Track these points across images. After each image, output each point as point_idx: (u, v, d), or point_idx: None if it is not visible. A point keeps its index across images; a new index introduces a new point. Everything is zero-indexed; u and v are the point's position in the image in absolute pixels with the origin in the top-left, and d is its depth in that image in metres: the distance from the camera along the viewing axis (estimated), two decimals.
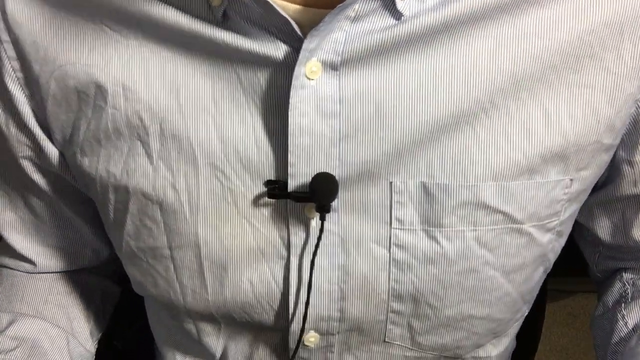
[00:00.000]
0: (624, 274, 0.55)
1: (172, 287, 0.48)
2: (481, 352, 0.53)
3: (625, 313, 0.53)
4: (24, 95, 0.46)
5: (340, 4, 0.38)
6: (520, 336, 0.61)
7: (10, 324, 0.53)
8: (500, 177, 0.43)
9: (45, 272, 0.58)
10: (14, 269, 0.58)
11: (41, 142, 0.48)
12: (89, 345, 0.58)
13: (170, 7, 0.42)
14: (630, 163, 0.48)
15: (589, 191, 0.48)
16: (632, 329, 0.51)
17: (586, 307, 1.45)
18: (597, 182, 0.50)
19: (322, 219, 0.43)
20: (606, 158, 0.46)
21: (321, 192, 0.42)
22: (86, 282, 0.60)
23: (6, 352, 0.51)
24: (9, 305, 0.55)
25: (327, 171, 0.43)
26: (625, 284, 0.55)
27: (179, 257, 0.47)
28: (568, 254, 0.62)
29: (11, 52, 0.45)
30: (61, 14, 0.44)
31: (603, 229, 0.53)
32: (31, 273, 0.58)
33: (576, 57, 0.42)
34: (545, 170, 0.43)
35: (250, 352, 0.52)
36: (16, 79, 0.46)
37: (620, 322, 0.52)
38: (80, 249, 0.57)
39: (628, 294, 0.54)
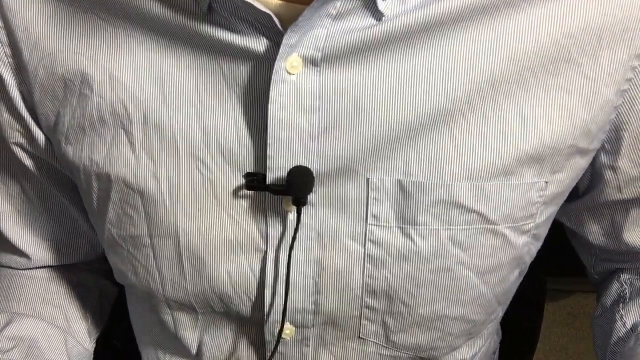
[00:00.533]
0: (621, 274, 0.56)
1: (152, 276, 0.49)
2: (457, 355, 0.53)
3: (623, 313, 0.53)
4: (15, 81, 0.47)
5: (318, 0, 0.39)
6: (520, 336, 0.61)
7: (7, 324, 0.54)
8: (475, 177, 0.43)
9: (41, 267, 0.58)
10: (10, 267, 0.58)
11: (32, 128, 0.49)
12: (87, 344, 0.59)
13: None
14: (614, 169, 0.48)
15: (566, 195, 0.48)
16: (631, 329, 0.52)
17: (586, 307, 1.45)
18: (580, 188, 0.51)
19: (299, 212, 0.44)
20: (582, 163, 0.46)
21: (297, 186, 0.43)
22: (84, 282, 0.61)
23: (4, 353, 0.51)
24: (7, 305, 0.56)
25: (305, 165, 0.43)
26: (623, 285, 0.55)
27: (159, 246, 0.47)
28: (568, 254, 0.62)
29: (4, 38, 0.46)
30: (54, 3, 0.45)
31: (594, 234, 0.53)
32: (28, 269, 0.58)
33: (554, 60, 0.42)
34: (520, 172, 0.44)
35: (227, 346, 0.53)
36: (9, 64, 0.47)
37: (619, 323, 0.53)
38: (76, 240, 0.58)
39: (626, 294, 0.54)
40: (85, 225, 0.57)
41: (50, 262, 0.58)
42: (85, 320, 0.59)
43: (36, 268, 0.58)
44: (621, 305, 0.54)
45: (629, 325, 0.52)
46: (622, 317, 0.53)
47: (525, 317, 0.56)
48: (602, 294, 0.57)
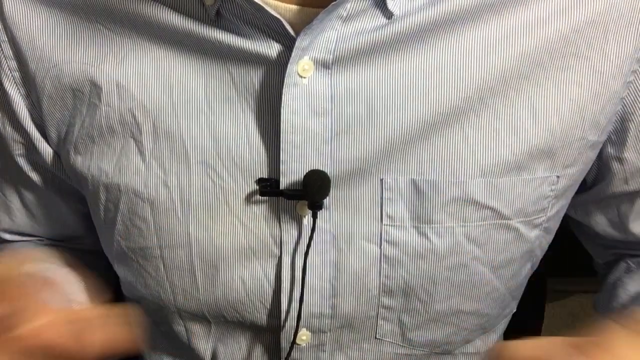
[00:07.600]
0: (628, 259, 0.58)
1: (162, 287, 0.50)
2: (470, 348, 0.56)
3: (626, 281, 0.55)
4: (19, 94, 0.49)
5: (334, 2, 0.41)
6: (520, 336, 0.62)
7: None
8: (488, 173, 0.46)
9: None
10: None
11: (36, 141, 0.51)
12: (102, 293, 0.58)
13: (164, 6, 0.45)
14: (620, 160, 0.51)
15: (576, 188, 0.52)
16: (632, 296, 0.54)
17: (586, 307, 1.47)
18: (588, 180, 0.54)
19: (315, 216, 0.46)
20: (592, 155, 0.50)
21: (314, 189, 0.45)
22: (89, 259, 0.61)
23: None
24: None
25: (319, 168, 0.45)
26: (629, 263, 0.57)
27: (169, 256, 0.49)
28: (568, 254, 0.64)
29: (8, 51, 0.48)
30: (57, 14, 0.47)
31: (601, 225, 0.56)
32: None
33: (562, 54, 0.45)
34: (532, 167, 0.47)
35: (242, 354, 0.55)
36: (12, 78, 0.48)
37: (620, 289, 0.55)
38: (70, 234, 0.59)
39: (632, 270, 0.56)
40: (87, 235, 0.58)
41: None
42: (94, 280, 0.59)
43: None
44: (625, 275, 0.56)
45: (631, 292, 0.54)
46: (624, 284, 0.55)
47: (525, 317, 0.58)
48: (607, 275, 0.59)
